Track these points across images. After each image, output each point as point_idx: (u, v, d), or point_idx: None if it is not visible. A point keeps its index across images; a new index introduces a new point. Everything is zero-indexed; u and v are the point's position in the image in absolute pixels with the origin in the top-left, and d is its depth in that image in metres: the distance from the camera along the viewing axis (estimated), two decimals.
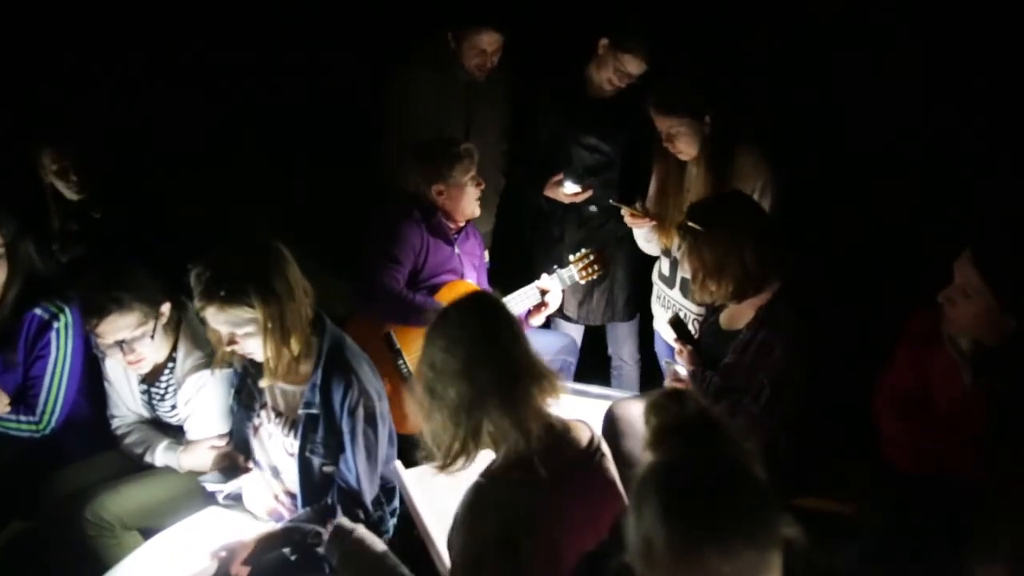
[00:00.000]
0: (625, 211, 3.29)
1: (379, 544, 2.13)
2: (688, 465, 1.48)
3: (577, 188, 3.49)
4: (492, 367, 1.92)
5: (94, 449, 2.97)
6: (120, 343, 2.65)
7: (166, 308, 2.73)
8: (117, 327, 2.63)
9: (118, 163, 3.61)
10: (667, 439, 1.63)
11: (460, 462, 1.95)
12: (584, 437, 2.05)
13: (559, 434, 2.01)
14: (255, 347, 2.43)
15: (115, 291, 2.62)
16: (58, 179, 3.35)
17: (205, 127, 4.09)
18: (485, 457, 2.00)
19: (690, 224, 2.63)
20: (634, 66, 3.37)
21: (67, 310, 2.92)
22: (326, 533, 2.16)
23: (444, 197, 3.26)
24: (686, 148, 3.11)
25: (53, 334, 2.90)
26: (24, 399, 2.91)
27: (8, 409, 2.85)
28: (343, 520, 2.20)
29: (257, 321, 2.37)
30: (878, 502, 2.54)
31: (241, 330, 2.39)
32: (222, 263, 2.39)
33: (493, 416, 1.91)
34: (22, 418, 2.90)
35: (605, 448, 2.08)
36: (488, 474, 1.97)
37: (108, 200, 3.44)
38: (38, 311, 2.90)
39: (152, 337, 2.69)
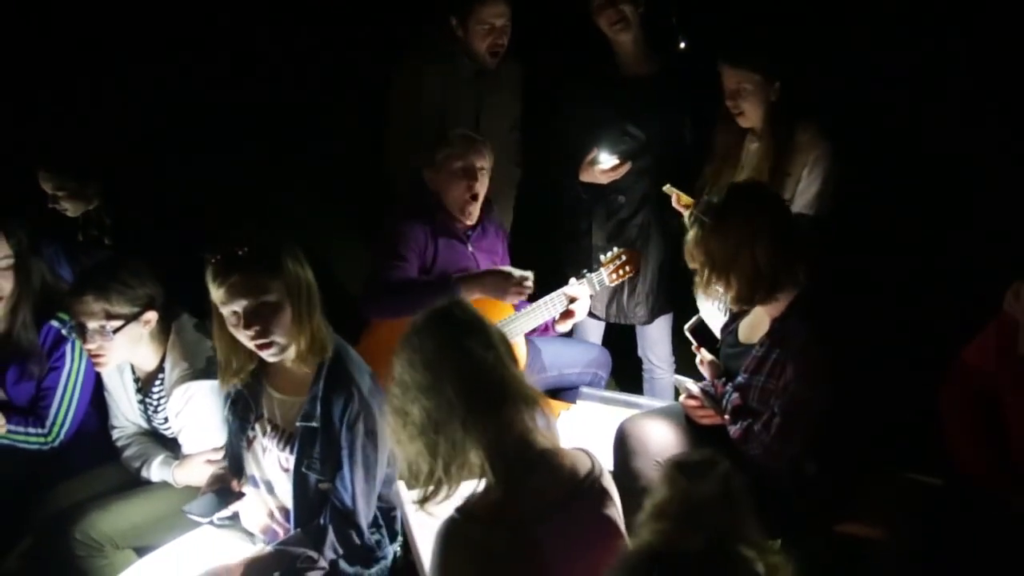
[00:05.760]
0: (679, 199, 3.07)
1: None
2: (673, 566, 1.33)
3: (615, 160, 3.23)
4: (457, 376, 1.72)
5: (98, 461, 2.88)
6: (82, 327, 2.58)
7: (151, 316, 2.63)
8: (86, 310, 2.56)
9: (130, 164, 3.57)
10: (669, 519, 1.46)
11: (441, 493, 1.76)
12: (582, 469, 1.82)
13: (552, 466, 1.79)
14: (277, 323, 2.22)
15: (101, 277, 2.57)
16: (53, 203, 3.33)
17: (211, 123, 4.05)
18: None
19: (698, 214, 2.40)
20: None
21: None
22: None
23: (434, 185, 3.13)
24: (750, 111, 2.95)
25: (68, 346, 2.86)
26: (34, 410, 2.86)
27: (4, 430, 2.79)
28: None
29: (283, 289, 2.21)
30: (907, 525, 2.30)
31: (261, 299, 2.19)
32: (243, 236, 2.24)
33: (469, 437, 1.72)
34: (31, 429, 2.83)
35: (607, 482, 1.84)
36: (463, 509, 1.76)
37: (117, 209, 3.39)
38: (54, 323, 2.87)
39: (114, 334, 2.58)
